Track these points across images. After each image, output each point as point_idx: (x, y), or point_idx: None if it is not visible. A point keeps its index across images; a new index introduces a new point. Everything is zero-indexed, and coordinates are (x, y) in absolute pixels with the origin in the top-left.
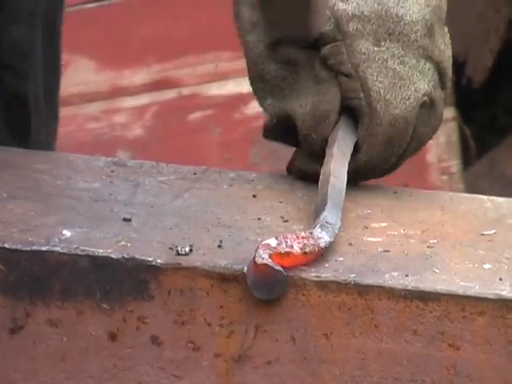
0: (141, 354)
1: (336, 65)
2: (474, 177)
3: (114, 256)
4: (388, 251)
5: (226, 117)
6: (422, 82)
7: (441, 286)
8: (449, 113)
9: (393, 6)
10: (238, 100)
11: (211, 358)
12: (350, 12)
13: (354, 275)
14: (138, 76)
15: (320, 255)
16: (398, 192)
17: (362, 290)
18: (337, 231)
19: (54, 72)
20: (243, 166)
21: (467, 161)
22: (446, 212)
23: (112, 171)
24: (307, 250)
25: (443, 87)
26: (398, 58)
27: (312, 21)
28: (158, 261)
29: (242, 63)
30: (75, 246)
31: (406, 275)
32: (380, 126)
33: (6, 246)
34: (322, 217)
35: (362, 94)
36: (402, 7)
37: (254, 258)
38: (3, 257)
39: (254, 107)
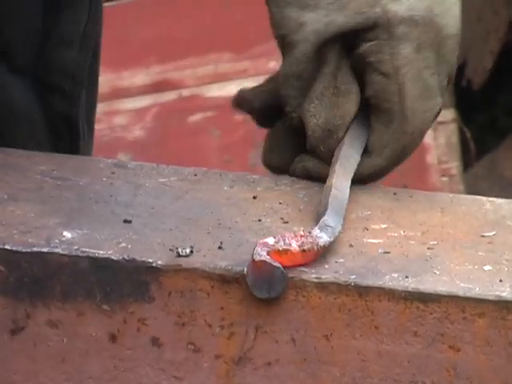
0: (141, 355)
1: (376, 63)
2: (474, 178)
3: (114, 257)
4: (388, 253)
5: (226, 118)
6: (439, 98)
7: (441, 288)
8: (449, 114)
9: (438, 14)
10: None
11: (211, 360)
12: (400, 14)
13: (354, 277)
14: (138, 77)
15: (319, 255)
16: (398, 193)
17: (362, 291)
18: (337, 234)
19: (93, 92)
20: (243, 168)
21: (467, 162)
22: (446, 213)
23: (112, 173)
24: (305, 247)
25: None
26: (431, 69)
27: None
28: (159, 262)
29: (242, 65)
30: (76, 247)
31: (406, 277)
32: (405, 135)
33: (7, 247)
34: (321, 220)
35: (396, 98)
36: (444, 19)
37: (252, 256)
38: (4, 258)
39: None
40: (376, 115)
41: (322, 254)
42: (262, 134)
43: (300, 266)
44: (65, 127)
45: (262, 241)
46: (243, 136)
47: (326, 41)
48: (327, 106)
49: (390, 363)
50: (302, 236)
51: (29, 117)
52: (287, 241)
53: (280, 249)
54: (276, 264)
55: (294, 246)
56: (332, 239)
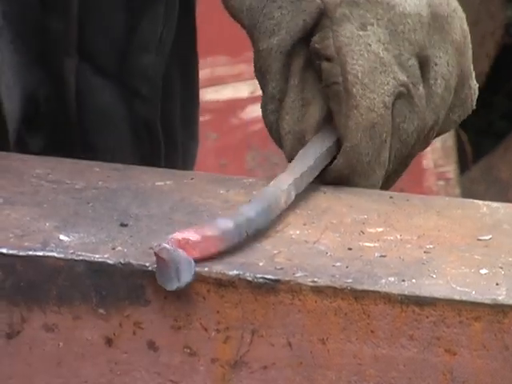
0: (137, 359)
1: (322, 50)
2: (470, 182)
3: (110, 261)
4: (384, 256)
5: (223, 122)
6: (400, 74)
7: (437, 291)
8: None
9: None
10: (235, 105)
11: (207, 363)
12: None
13: (350, 280)
14: None
15: (227, 241)
16: (394, 197)
17: (358, 295)
18: (246, 219)
19: (192, 101)
20: (239, 171)
21: (463, 166)
22: (443, 217)
23: (108, 176)
24: (206, 234)
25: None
26: (384, 43)
27: None
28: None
29: (238, 68)
30: (71, 251)
31: (403, 280)
32: (357, 110)
33: (3, 251)
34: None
35: (340, 78)
36: None
37: (154, 250)
38: None
39: (251, 112)
40: (330, 103)
41: (230, 240)
42: (258, 137)
43: (211, 254)
44: (145, 131)
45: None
46: (239, 139)
47: (288, 53)
48: (298, 119)
49: (386, 367)
50: (206, 225)
51: (114, 120)
52: (185, 232)
53: (180, 238)
54: (180, 251)
55: (193, 234)
56: (239, 224)
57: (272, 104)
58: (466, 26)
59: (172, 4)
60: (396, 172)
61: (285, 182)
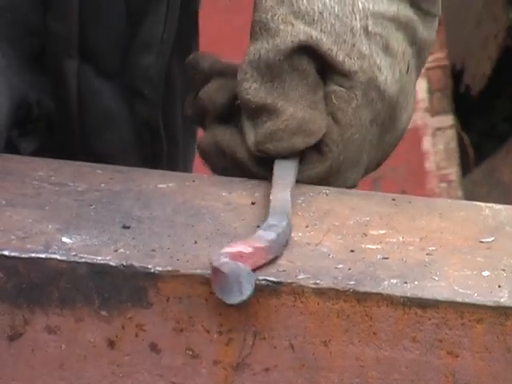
0: (139, 361)
1: (335, 105)
2: (473, 184)
3: (112, 263)
4: (387, 258)
5: None
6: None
7: (439, 294)
8: (447, 120)
9: (399, 105)
10: None
11: (210, 366)
12: (379, 83)
13: (352, 282)
14: None
15: (272, 250)
16: (397, 199)
17: (360, 297)
18: (283, 229)
19: None
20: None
21: (466, 168)
22: (445, 219)
23: (111, 178)
24: (255, 245)
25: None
26: (371, 146)
27: None
28: (157, 268)
29: None
30: (74, 253)
31: (405, 282)
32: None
33: (5, 253)
34: (265, 223)
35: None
36: (405, 107)
37: (213, 264)
38: (1, 264)
39: None
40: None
41: (276, 250)
42: None
43: (261, 265)
44: (147, 131)
45: (216, 251)
46: None
47: (311, 48)
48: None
49: (389, 369)
50: (248, 239)
51: (116, 121)
52: (236, 245)
53: (234, 251)
54: (239, 263)
55: (245, 246)
56: (279, 234)
57: (264, 69)
58: None
59: (174, 4)
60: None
61: (285, 195)
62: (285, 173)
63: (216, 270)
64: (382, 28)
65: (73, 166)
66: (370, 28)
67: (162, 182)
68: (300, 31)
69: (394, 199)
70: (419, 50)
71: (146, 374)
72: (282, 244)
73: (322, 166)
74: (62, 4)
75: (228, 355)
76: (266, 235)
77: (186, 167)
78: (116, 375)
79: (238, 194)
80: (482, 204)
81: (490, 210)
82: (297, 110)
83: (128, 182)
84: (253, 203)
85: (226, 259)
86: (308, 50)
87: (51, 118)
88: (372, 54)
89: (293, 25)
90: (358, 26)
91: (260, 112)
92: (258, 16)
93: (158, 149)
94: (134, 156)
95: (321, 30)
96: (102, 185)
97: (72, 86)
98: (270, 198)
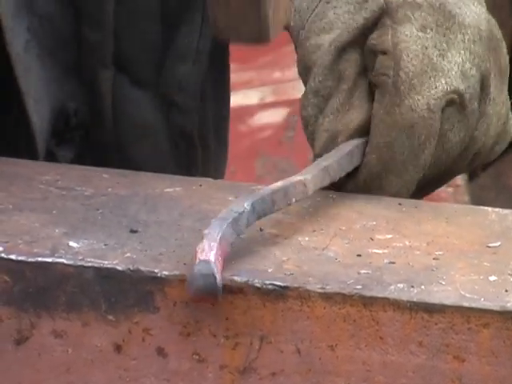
0: (146, 365)
1: (378, 45)
2: (480, 188)
3: (119, 268)
4: (393, 263)
5: (231, 129)
6: (457, 81)
7: (446, 298)
8: None
9: (450, 4)
10: (244, 112)
11: (216, 370)
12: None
13: (359, 287)
14: None
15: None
16: (403, 204)
17: (367, 301)
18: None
19: (223, 105)
20: (248, 178)
21: (472, 173)
22: (452, 224)
23: (118, 182)
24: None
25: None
26: (439, 50)
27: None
28: (164, 272)
29: (248, 75)
30: (80, 257)
31: (412, 287)
32: (398, 108)
33: (12, 257)
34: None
35: (391, 72)
36: (459, 8)
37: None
38: (8, 268)
39: (260, 119)
40: (375, 95)
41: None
42: (267, 144)
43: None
44: (183, 141)
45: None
46: (248, 146)
47: (342, 48)
48: (339, 121)
49: (395, 374)
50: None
51: (151, 130)
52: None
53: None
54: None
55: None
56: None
57: (315, 98)
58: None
59: None
60: (431, 183)
61: (303, 174)
62: (321, 162)
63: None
64: None
65: (79, 171)
66: None
67: (168, 187)
68: (324, 50)
69: (400, 203)
70: None
71: (152, 379)
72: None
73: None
74: (97, 14)
75: (235, 359)
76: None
77: (217, 175)
78: (123, 379)
79: None
80: (489, 209)
81: (497, 215)
82: (327, 125)
83: (135, 186)
84: None
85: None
86: (342, 51)
87: (87, 127)
88: None
89: (318, 50)
90: None
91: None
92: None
93: (193, 158)
94: (169, 165)
95: (339, 23)
96: (109, 189)
97: (107, 95)
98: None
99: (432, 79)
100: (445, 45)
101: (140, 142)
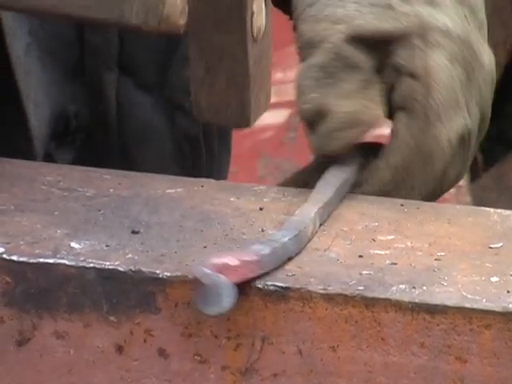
0: (148, 366)
1: (407, 66)
2: (482, 189)
3: (121, 268)
4: (395, 264)
5: (233, 129)
6: (467, 119)
7: (448, 299)
8: None
9: (473, 40)
10: None
11: (218, 371)
12: (435, 24)
13: (360, 288)
14: None
15: (263, 265)
16: (405, 204)
17: (368, 302)
18: (281, 245)
19: None
20: (250, 179)
21: (474, 173)
22: (454, 225)
23: (119, 183)
24: (243, 258)
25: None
26: (461, 85)
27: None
28: (165, 273)
29: None
30: (82, 258)
31: (413, 288)
32: (424, 134)
33: (13, 258)
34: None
35: (423, 98)
36: (481, 46)
37: (194, 275)
38: (10, 269)
39: (262, 120)
40: (398, 115)
41: (267, 265)
42: (268, 145)
43: (248, 279)
44: (188, 145)
45: (205, 261)
46: (250, 147)
47: (359, 37)
48: (356, 104)
49: (397, 375)
50: (243, 250)
51: (156, 133)
52: (223, 257)
53: (219, 263)
54: (221, 276)
55: (231, 259)
56: (275, 249)
57: (319, 72)
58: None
59: None
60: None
61: (310, 212)
62: (327, 187)
63: (197, 281)
64: None
65: (81, 171)
66: None
67: (170, 187)
68: (340, 29)
69: (402, 204)
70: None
71: (154, 380)
72: (279, 259)
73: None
74: None
75: (236, 360)
76: (259, 249)
77: (220, 178)
78: (124, 380)
79: (246, 200)
80: (491, 209)
81: (499, 216)
82: (348, 105)
83: (136, 187)
84: (261, 209)
85: (208, 271)
86: (356, 41)
87: (89, 130)
88: (415, 8)
89: (332, 28)
90: None
91: (315, 117)
92: (301, 41)
93: (198, 161)
94: (174, 169)
95: (360, 14)
96: (111, 190)
97: (111, 98)
98: (296, 212)
99: (454, 112)
100: (466, 81)
101: (144, 145)
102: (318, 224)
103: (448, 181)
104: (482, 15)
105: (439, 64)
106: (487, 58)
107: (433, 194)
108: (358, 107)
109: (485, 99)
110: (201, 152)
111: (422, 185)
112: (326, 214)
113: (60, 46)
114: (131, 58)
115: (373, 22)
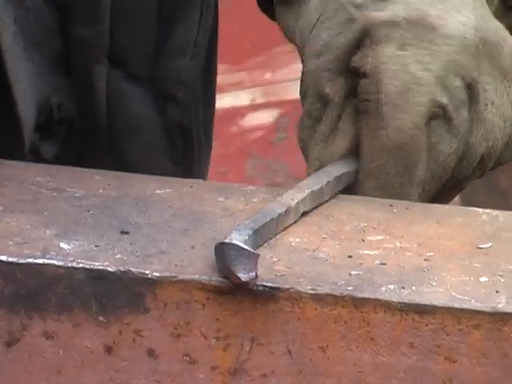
0: (137, 366)
1: (360, 68)
2: (470, 189)
3: (110, 269)
4: (384, 264)
5: (222, 130)
6: (440, 94)
7: (437, 299)
8: None
9: (431, 16)
10: (235, 113)
11: (207, 371)
12: (379, 19)
13: (350, 288)
14: None
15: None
16: (394, 205)
17: (357, 303)
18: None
19: (210, 102)
20: (239, 179)
21: None
22: (443, 225)
23: (109, 184)
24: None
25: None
26: (422, 64)
27: None
28: (154, 274)
29: (238, 76)
30: (71, 258)
31: (402, 288)
32: (385, 131)
33: (2, 258)
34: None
35: (373, 97)
36: (442, 20)
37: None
38: None
39: (251, 120)
40: (360, 121)
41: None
42: (257, 145)
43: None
44: (179, 136)
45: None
46: (239, 147)
47: (327, 71)
48: (328, 148)
49: (386, 375)
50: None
51: (146, 125)
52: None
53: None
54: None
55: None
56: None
57: (308, 120)
58: None
59: (208, 6)
60: (444, 194)
61: (294, 197)
62: (318, 178)
63: (226, 253)
64: None
65: (70, 172)
66: None
67: (159, 188)
68: (317, 64)
69: (391, 205)
70: None
71: (143, 380)
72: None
73: None
74: (90, 10)
75: (225, 361)
76: (238, 237)
77: (205, 172)
78: (113, 381)
79: (235, 200)
80: (480, 210)
81: (488, 216)
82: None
83: (126, 187)
84: (250, 209)
85: (239, 242)
86: (325, 70)
87: (73, 122)
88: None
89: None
90: None
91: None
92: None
93: (190, 152)
94: (165, 161)
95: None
96: (100, 190)
97: (101, 91)
98: (278, 198)
99: (417, 94)
100: (428, 58)
101: (134, 137)
102: (301, 210)
103: (447, 159)
104: None
105: (388, 55)
106: (456, 27)
107: (439, 179)
108: (325, 152)
109: (465, 66)
110: (192, 143)
111: (409, 177)
112: (313, 203)
113: (43, 37)
114: (122, 49)
115: (334, 47)
